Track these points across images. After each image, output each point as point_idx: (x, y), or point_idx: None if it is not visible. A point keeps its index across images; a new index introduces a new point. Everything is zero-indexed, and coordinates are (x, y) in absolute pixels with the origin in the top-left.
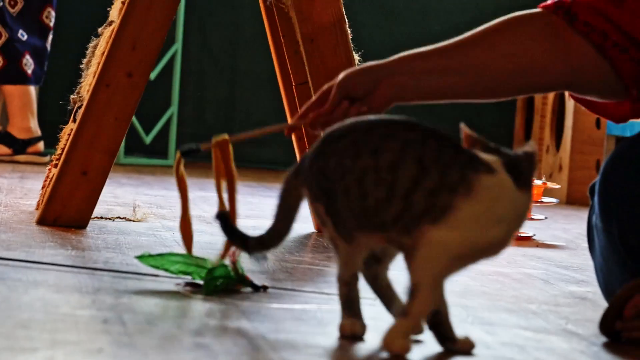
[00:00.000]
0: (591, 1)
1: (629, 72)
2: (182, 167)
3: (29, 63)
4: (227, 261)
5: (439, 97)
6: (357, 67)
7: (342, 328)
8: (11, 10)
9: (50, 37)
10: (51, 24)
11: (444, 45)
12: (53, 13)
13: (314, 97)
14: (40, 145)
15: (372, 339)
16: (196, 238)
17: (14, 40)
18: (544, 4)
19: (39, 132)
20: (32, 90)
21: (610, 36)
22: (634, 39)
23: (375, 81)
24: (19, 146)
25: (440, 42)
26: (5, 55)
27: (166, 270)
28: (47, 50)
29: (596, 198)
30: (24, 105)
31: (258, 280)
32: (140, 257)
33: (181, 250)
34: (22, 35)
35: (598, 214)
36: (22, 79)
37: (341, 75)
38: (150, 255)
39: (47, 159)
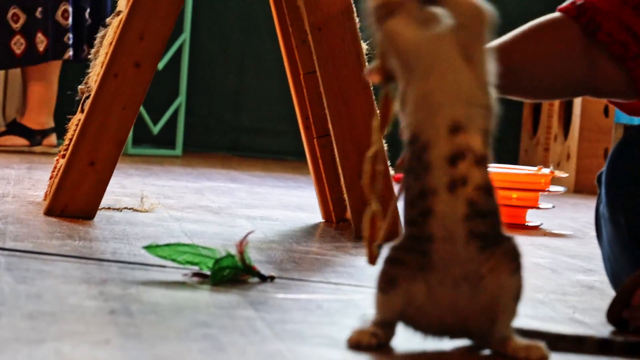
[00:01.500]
0: (612, 10)
1: None
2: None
3: (39, 40)
4: (234, 251)
5: None
6: None
7: None
8: None
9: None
10: None
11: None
12: None
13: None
14: (53, 138)
15: None
16: (203, 228)
17: (31, 20)
18: (564, 6)
19: (52, 124)
20: (55, 88)
21: (630, 47)
22: None
23: None
24: (35, 138)
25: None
26: (27, 36)
27: (173, 260)
28: (58, 23)
29: (603, 187)
30: (45, 102)
31: (265, 271)
32: (148, 248)
33: (188, 240)
34: (40, 13)
35: (605, 203)
36: (36, 58)
37: None
38: (158, 246)
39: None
